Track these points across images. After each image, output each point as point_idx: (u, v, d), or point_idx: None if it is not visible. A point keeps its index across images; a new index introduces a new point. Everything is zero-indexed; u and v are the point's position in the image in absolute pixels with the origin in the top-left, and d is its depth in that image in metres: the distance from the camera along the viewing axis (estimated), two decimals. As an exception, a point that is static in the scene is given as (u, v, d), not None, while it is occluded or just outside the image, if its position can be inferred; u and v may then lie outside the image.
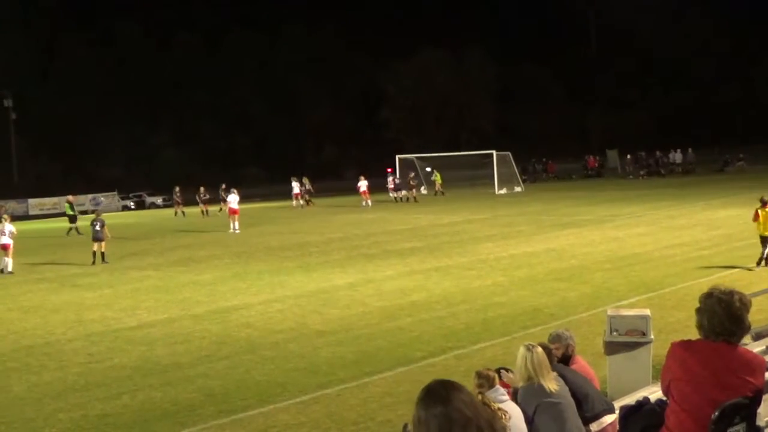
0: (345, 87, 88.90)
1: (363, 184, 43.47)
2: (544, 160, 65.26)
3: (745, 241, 19.65)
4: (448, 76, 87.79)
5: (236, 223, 31.57)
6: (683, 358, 4.32)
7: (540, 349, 6.12)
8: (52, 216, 50.38)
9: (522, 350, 6.10)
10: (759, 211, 16.53)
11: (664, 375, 4.46)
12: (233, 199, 32.43)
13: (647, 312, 8.20)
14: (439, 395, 2.80)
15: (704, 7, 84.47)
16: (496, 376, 6.08)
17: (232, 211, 32.11)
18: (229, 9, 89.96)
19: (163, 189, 63.92)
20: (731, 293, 4.26)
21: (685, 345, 4.38)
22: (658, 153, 60.18)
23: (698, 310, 4.33)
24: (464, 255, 20.16)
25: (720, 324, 4.22)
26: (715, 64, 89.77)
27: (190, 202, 44.26)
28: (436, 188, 48.45)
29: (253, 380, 10.12)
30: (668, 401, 4.45)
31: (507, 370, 6.62)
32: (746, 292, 4.44)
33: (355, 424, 8.28)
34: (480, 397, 5.49)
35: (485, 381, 5.90)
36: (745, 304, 4.24)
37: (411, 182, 45.67)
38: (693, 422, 4.19)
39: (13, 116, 71.34)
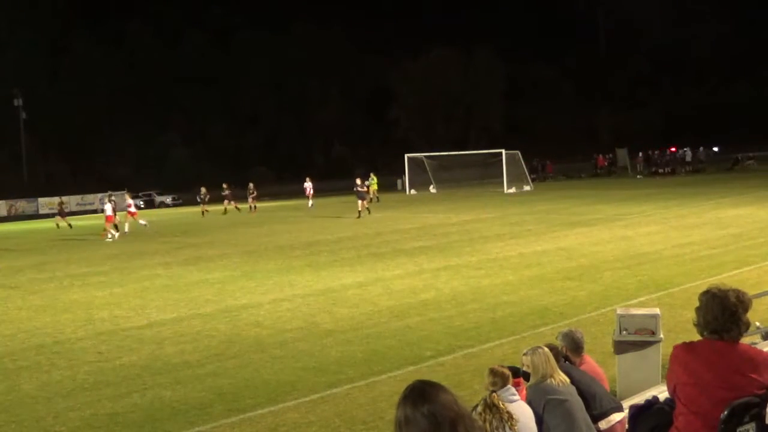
0: (354, 86, 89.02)
1: (308, 186, 45.54)
2: (536, 160, 62.98)
3: (755, 240, 19.60)
4: (457, 75, 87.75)
5: (112, 231, 31.13)
6: (686, 361, 4.30)
7: (545, 348, 6.12)
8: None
9: (527, 356, 6.09)
10: None
11: (669, 379, 4.45)
12: (108, 207, 32.05)
13: (657, 311, 8.16)
14: (425, 393, 2.79)
15: (716, 6, 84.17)
16: (510, 374, 6.03)
17: (108, 219, 31.61)
18: (239, 8, 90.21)
19: (172, 188, 64.20)
20: (727, 290, 4.24)
21: (687, 347, 4.36)
22: (667, 151, 59.98)
23: (696, 308, 4.33)
24: (473, 254, 20.12)
25: (714, 319, 4.19)
26: (726, 63, 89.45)
27: (215, 199, 45.67)
28: (371, 195, 42.93)
29: (262, 379, 10.13)
30: (676, 403, 4.44)
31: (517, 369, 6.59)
32: (754, 291, 4.42)
33: (364, 423, 8.28)
34: (492, 395, 5.47)
35: (499, 379, 5.83)
36: (742, 302, 4.21)
37: (360, 188, 36.10)
38: (702, 424, 4.17)
39: (23, 115, 71.63)
